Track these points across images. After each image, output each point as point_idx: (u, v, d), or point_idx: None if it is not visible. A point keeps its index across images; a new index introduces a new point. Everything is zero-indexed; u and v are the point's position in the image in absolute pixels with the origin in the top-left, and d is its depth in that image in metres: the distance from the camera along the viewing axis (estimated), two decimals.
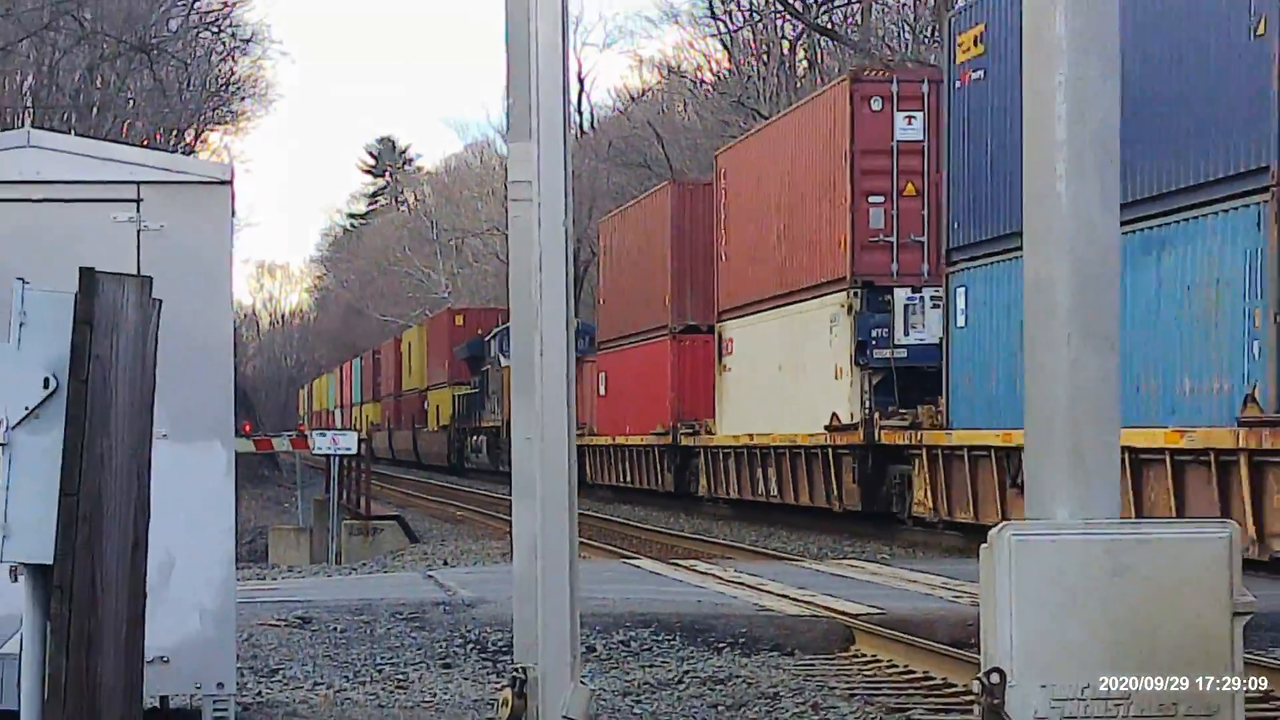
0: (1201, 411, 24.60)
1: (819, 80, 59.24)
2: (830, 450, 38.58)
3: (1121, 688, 5.42)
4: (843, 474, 38.31)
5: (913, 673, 15.64)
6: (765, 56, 70.73)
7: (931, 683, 15.09)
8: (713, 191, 46.07)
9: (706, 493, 48.51)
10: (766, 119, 49.57)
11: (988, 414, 30.91)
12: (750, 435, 43.53)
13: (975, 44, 31.66)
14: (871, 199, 37.21)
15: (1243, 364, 23.73)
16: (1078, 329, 5.69)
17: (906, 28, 61.86)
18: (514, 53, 5.73)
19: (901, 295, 36.64)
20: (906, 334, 36.65)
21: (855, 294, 37.08)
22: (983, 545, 5.58)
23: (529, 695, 5.69)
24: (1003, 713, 5.35)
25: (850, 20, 64.43)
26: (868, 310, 36.97)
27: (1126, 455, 23.99)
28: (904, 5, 63.96)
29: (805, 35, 67.14)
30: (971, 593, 19.18)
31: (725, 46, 73.82)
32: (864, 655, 16.85)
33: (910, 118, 36.87)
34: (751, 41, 72.01)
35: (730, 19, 72.09)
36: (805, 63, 67.60)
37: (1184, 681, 5.45)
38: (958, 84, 32.52)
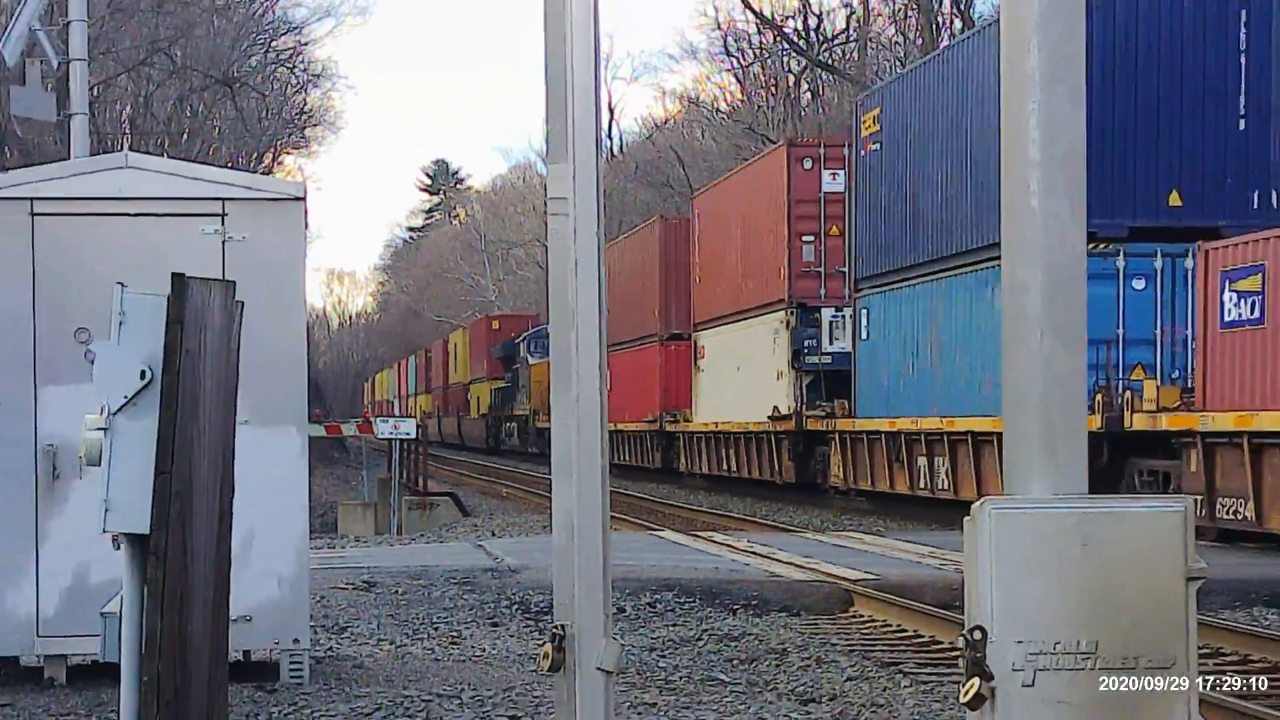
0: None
1: (820, 110, 59.26)
2: (772, 435, 42.98)
3: (1088, 643, 5.39)
4: (781, 454, 42.76)
5: (904, 631, 15.67)
6: (773, 89, 70.67)
7: (921, 640, 15.12)
8: (690, 226, 50.44)
9: (685, 469, 52.13)
10: (774, 143, 50.26)
11: (883, 407, 35.62)
12: (716, 423, 47.92)
13: (874, 122, 36.42)
14: (804, 238, 40.85)
15: None
16: (1049, 328, 5.66)
17: (898, 63, 61.78)
18: (553, 85, 5.70)
19: (827, 314, 40.20)
20: (831, 344, 40.19)
21: (792, 312, 40.72)
22: (966, 518, 5.56)
23: (567, 649, 5.68)
24: (984, 664, 5.33)
25: (848, 56, 64.32)
26: (801, 325, 40.62)
27: (969, 438, 30.75)
28: (895, 43, 63.83)
29: (808, 70, 67.06)
30: (955, 561, 19.18)
31: (738, 80, 73.83)
32: (862, 616, 16.88)
33: (834, 174, 40.24)
34: (761, 75, 71.95)
35: (742, 55, 72.08)
36: (809, 94, 67.52)
37: (1144, 636, 5.42)
38: (862, 151, 37.08)
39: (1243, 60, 27.09)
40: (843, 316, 39.10)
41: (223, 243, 11.54)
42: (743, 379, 44.50)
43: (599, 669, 5.56)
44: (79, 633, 11.37)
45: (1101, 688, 5.31)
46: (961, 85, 31.65)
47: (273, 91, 58.61)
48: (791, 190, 40.33)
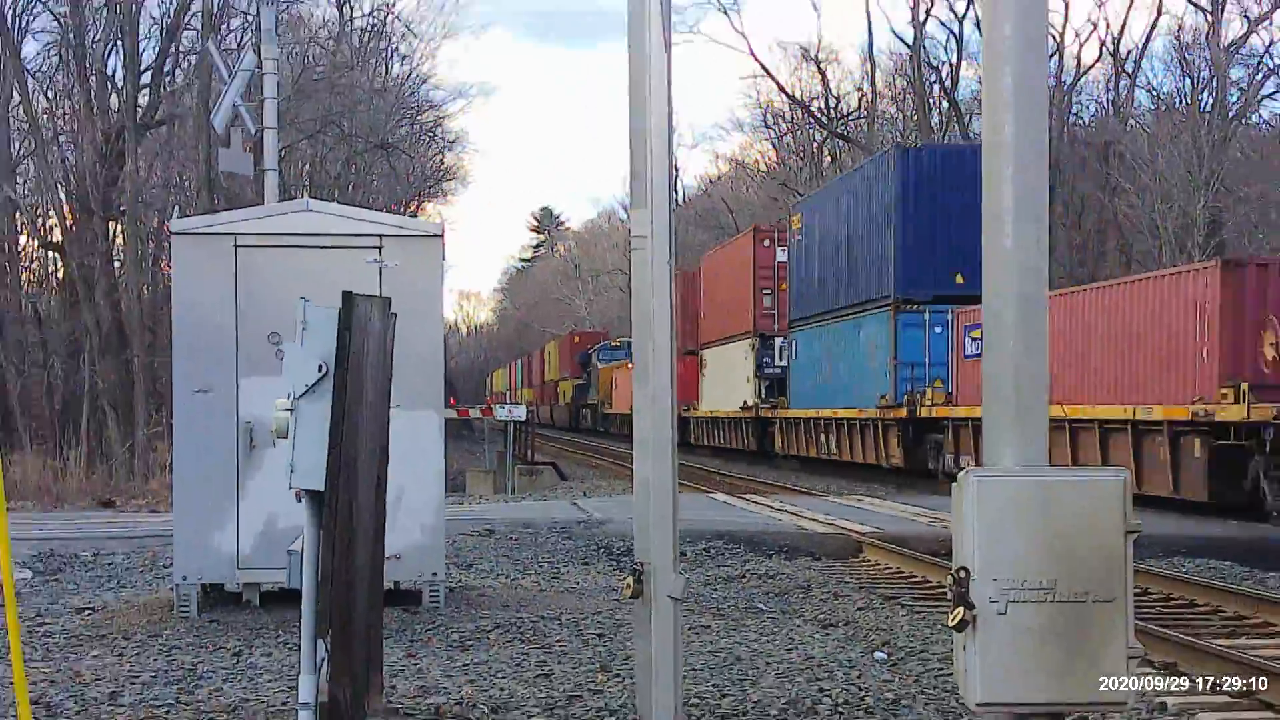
0: (869, 401, 34.92)
1: (838, 170, 59.05)
2: (743, 420, 47.98)
3: (1049, 581, 5.37)
4: (748, 433, 48.02)
5: (902, 573, 15.66)
6: (801, 154, 70.53)
7: (915, 580, 15.11)
8: (698, 278, 53.95)
9: (695, 442, 55.24)
10: (802, 196, 51.23)
11: (805, 402, 41.48)
12: (711, 411, 52.41)
13: (798, 221, 42.97)
14: (764, 291, 45.34)
15: (883, 381, 34.36)
16: (1019, 339, 5.63)
17: (898, 135, 61.49)
18: (635, 148, 5.71)
19: (778, 341, 44.72)
20: (779, 361, 44.59)
21: (756, 339, 45.53)
22: (954, 484, 5.57)
23: (645, 581, 5.67)
24: (967, 597, 5.32)
25: (859, 128, 64.09)
26: (762, 348, 45.30)
27: (845, 423, 37.74)
28: (896, 121, 63.50)
29: (829, 139, 66.87)
30: (941, 519, 19.11)
31: (774, 147, 73.57)
32: (869, 561, 16.87)
33: (785, 249, 44.33)
34: (792, 143, 71.74)
35: (778, 127, 71.88)
36: (829, 157, 67.28)
37: (1092, 576, 5.40)
38: (794, 239, 43.02)
39: None
40: (787, 342, 43.84)
41: (380, 269, 11.59)
42: (727, 382, 49.08)
43: (669, 596, 5.57)
44: (269, 565, 11.47)
45: (1060, 615, 5.30)
46: (843, 201, 38.70)
47: (418, 154, 58.90)
48: (756, 260, 45.31)
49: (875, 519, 20.15)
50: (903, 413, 32.50)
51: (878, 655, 10.47)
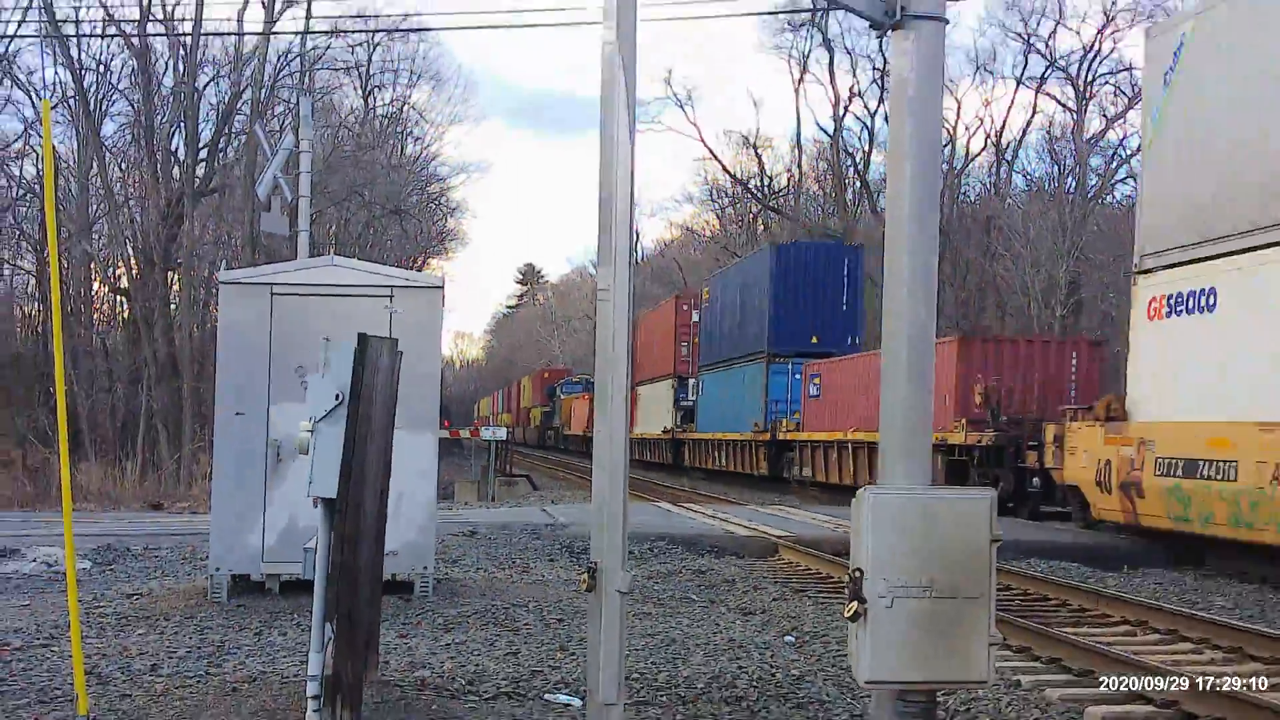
0: (747, 426, 38.21)
1: (772, 236, 59.31)
2: (663, 440, 50.44)
3: (928, 580, 5.34)
4: (667, 450, 50.43)
5: (811, 570, 15.56)
6: (740, 223, 70.72)
7: (821, 576, 15.00)
8: (638, 330, 54.31)
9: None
10: (740, 257, 51.96)
11: (708, 426, 44.03)
12: (641, 434, 52.59)
13: (708, 293, 45.70)
14: (682, 343, 47.78)
15: (757, 413, 37.62)
16: (908, 378, 5.63)
17: (819, 209, 61.79)
18: (603, 217, 5.70)
19: (690, 381, 47.14)
20: (691, 396, 47.02)
21: (675, 380, 48.06)
22: (854, 499, 5.55)
23: (598, 577, 5.63)
24: (861, 592, 5.29)
25: (788, 202, 64.33)
26: (679, 386, 47.76)
27: (731, 443, 40.99)
28: (818, 197, 63.74)
29: (763, 211, 67.08)
30: (845, 526, 19.05)
31: (718, 217, 73.65)
32: (784, 560, 16.76)
33: (698, 312, 46.82)
34: (733, 214, 71.89)
35: (722, 200, 72.10)
36: (763, 226, 67.43)
37: (963, 577, 5.38)
38: (704, 305, 45.72)
39: (845, 279, 37.53)
40: (695, 383, 46.83)
41: (390, 314, 11.52)
42: (653, 411, 51.08)
43: (618, 591, 5.53)
44: (289, 559, 11.37)
45: (935, 609, 5.29)
46: (738, 280, 41.86)
47: (425, 219, 58.96)
48: (678, 319, 47.84)
49: (791, 525, 20.08)
50: (768, 436, 36.95)
51: (787, 638, 10.43)
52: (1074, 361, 25.31)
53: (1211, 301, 16.68)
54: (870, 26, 5.75)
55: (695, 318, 46.79)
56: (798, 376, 35.67)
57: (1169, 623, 11.66)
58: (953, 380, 25.30)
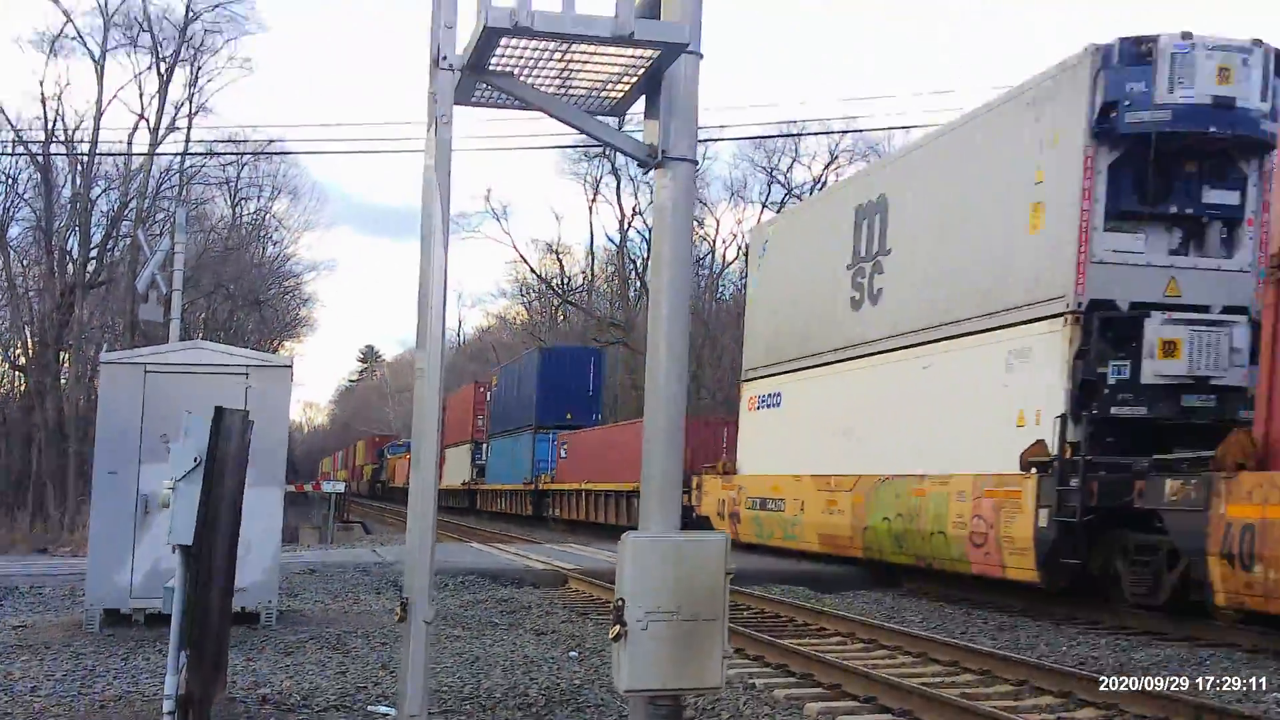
0: (520, 479, 41.09)
1: (570, 325, 59.72)
2: (462, 490, 51.02)
3: (675, 607, 5.35)
4: (464, 498, 51.02)
5: (594, 597, 15.41)
6: (544, 313, 70.72)
7: (601, 601, 14.85)
8: (449, 405, 54.41)
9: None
10: (544, 343, 52.89)
11: (494, 479, 45.91)
12: (446, 485, 51.55)
13: (495, 380, 47.43)
14: (478, 416, 48.98)
15: (527, 470, 40.42)
16: (665, 443, 5.67)
17: (608, 304, 62.32)
18: (421, 310, 5.62)
19: (484, 445, 48.67)
20: (483, 457, 48.52)
21: (473, 444, 49.33)
22: (619, 541, 5.54)
23: (408, 609, 5.49)
24: (623, 617, 5.27)
25: (583, 298, 64.76)
26: (475, 449, 49.09)
27: (508, 492, 43.49)
28: (607, 294, 64.27)
29: (562, 304, 67.30)
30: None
31: (526, 308, 73.50)
32: (573, 589, 16.58)
33: (489, 393, 48.41)
34: (538, 307, 71.83)
35: (530, 295, 72.02)
36: (562, 316, 67.60)
37: (703, 604, 5.41)
38: (494, 388, 47.29)
39: (591, 373, 40.12)
40: (486, 446, 48.19)
41: (246, 389, 11.15)
42: (456, 468, 51.82)
43: (424, 620, 5.41)
44: (153, 596, 10.80)
45: (680, 630, 5.31)
46: (515, 371, 44.08)
47: (281, 308, 57.60)
48: (475, 398, 49.06)
49: (580, 560, 19.93)
50: (533, 486, 39.93)
51: (571, 654, 10.34)
52: (725, 434, 27.30)
53: (778, 400, 21.07)
54: (639, 165, 5.84)
55: (488, 397, 48.96)
56: (555, 443, 38.61)
57: (871, 634, 11.87)
58: None
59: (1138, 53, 13.21)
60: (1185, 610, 12.36)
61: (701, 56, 5.58)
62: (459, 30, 5.42)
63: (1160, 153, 13.15)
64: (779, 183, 55.70)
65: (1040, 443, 13.63)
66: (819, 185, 53.35)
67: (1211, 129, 13.00)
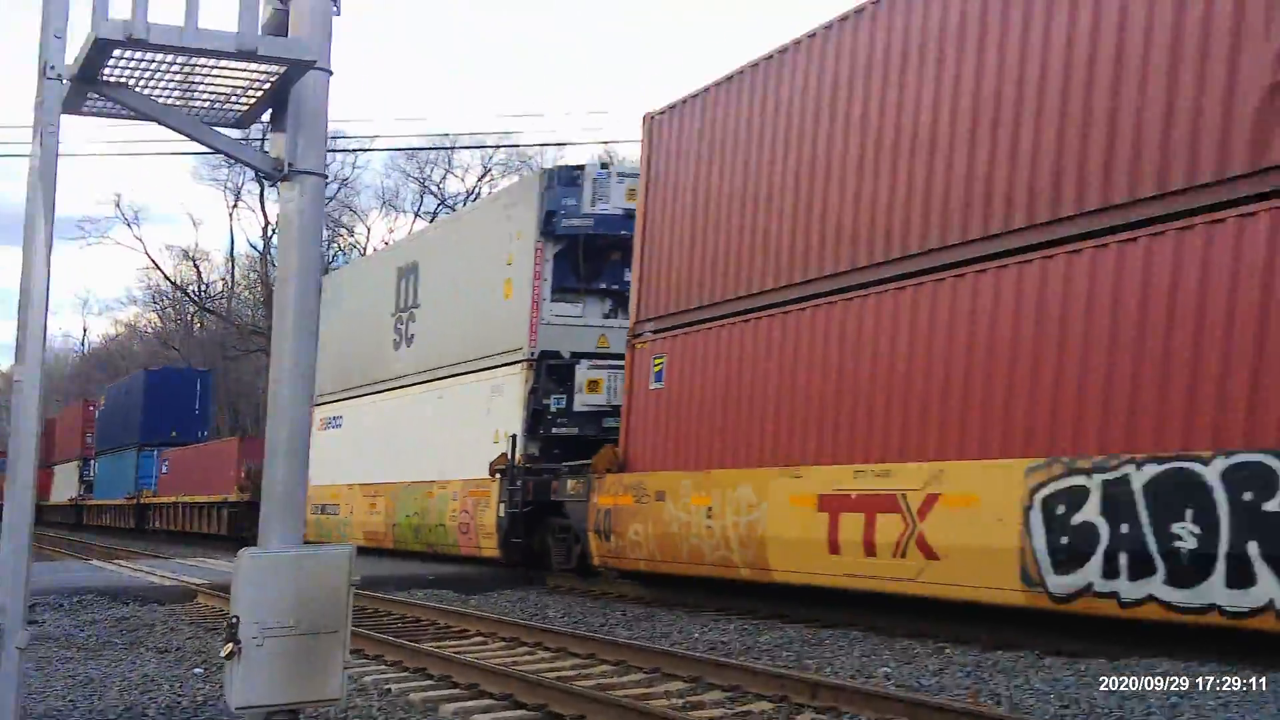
0: (123, 494, 43.15)
1: (208, 333, 56.82)
2: (70, 506, 51.95)
3: (294, 621, 5.32)
4: (72, 513, 51.71)
5: (223, 611, 14.71)
6: (179, 321, 67.10)
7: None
8: (61, 421, 55.89)
9: (46, 520, 54.08)
10: (178, 351, 51.35)
11: (102, 495, 46.36)
12: (54, 503, 54.85)
13: (103, 399, 47.94)
14: (87, 434, 49.73)
15: (131, 485, 42.25)
16: (287, 458, 5.61)
17: (250, 311, 59.68)
18: (20, 324, 5.25)
19: (92, 461, 49.41)
20: (93, 473, 49.04)
21: (81, 460, 50.04)
22: (234, 559, 5.42)
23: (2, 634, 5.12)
24: (236, 634, 5.19)
25: (222, 305, 61.85)
26: (83, 465, 50.47)
27: (113, 506, 44.34)
28: (249, 300, 61.47)
29: (199, 311, 63.83)
30: None
31: (160, 316, 69.17)
32: (201, 604, 15.72)
33: (97, 410, 49.46)
34: (174, 314, 67.73)
35: (163, 302, 67.75)
36: (200, 324, 64.23)
37: (324, 616, 5.40)
38: (100, 405, 48.72)
39: (197, 392, 42.83)
40: (94, 464, 48.78)
41: None
42: (64, 485, 53.20)
43: (17, 647, 5.07)
44: None
45: (299, 644, 5.26)
46: (123, 390, 45.19)
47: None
48: (84, 415, 50.33)
49: (209, 574, 18.97)
50: (135, 501, 41.46)
51: (196, 670, 9.87)
52: None
53: (340, 422, 24.29)
54: (263, 177, 5.74)
55: (97, 415, 49.10)
56: (158, 459, 40.23)
57: (513, 632, 11.97)
58: (235, 462, 32.07)
59: (571, 176, 17.96)
60: (588, 571, 16.44)
61: (331, 73, 5.55)
62: (75, 39, 5.16)
63: (589, 247, 17.83)
64: (432, 193, 55.55)
65: (503, 455, 17.82)
66: (473, 196, 53.71)
67: (623, 231, 17.30)
